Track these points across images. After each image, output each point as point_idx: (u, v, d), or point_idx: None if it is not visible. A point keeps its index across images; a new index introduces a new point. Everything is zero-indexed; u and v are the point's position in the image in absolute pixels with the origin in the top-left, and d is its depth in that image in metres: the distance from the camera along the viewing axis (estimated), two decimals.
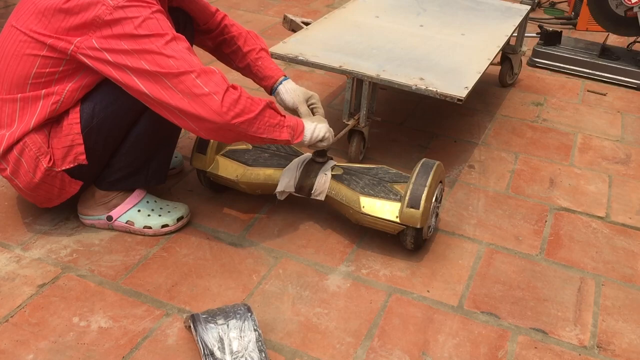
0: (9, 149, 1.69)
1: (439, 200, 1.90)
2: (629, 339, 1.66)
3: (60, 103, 1.67)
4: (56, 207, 1.92)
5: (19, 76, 1.65)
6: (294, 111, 1.96)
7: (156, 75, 1.55)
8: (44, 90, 1.66)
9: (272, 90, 2.01)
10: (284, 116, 1.73)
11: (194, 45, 1.99)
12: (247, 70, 2.05)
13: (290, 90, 1.97)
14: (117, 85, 1.64)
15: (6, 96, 1.68)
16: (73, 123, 1.69)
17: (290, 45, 2.22)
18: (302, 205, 2.04)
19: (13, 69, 1.65)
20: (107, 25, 1.54)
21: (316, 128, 1.81)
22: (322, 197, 1.88)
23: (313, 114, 1.96)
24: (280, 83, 1.99)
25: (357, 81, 2.15)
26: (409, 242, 1.83)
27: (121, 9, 1.54)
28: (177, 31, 1.67)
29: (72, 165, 1.72)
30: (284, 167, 1.91)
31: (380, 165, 1.96)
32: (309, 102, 1.98)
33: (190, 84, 1.55)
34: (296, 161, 1.92)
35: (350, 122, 2.17)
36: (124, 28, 1.54)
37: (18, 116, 1.68)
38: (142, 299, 1.66)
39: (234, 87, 1.61)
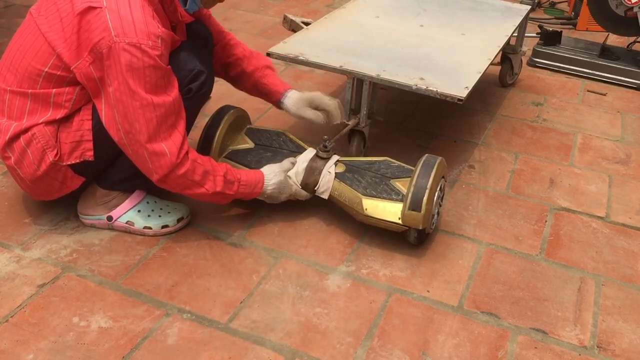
0: (16, 138, 1.70)
1: (442, 190, 1.90)
2: (629, 339, 1.66)
3: (72, 102, 1.69)
4: (56, 207, 1.92)
5: (32, 71, 1.66)
6: (301, 119, 2.08)
7: (120, 124, 1.63)
8: (54, 90, 1.67)
9: (279, 105, 2.10)
10: (238, 182, 1.80)
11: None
12: (254, 89, 2.12)
13: (292, 100, 2.06)
14: None
15: (17, 89, 1.69)
16: (84, 119, 1.69)
17: (291, 45, 2.22)
18: (302, 204, 2.03)
19: (28, 61, 1.67)
20: (102, 57, 1.58)
21: (280, 185, 1.87)
22: (325, 196, 1.89)
23: (322, 112, 2.05)
24: (285, 96, 2.07)
25: (358, 81, 2.15)
26: (412, 237, 1.85)
27: (118, 46, 1.55)
28: (198, 44, 1.82)
29: (78, 161, 1.73)
30: None
31: (382, 158, 1.96)
32: (314, 105, 2.05)
33: (139, 153, 1.66)
34: (299, 159, 1.92)
35: (351, 122, 2.17)
36: (115, 67, 1.57)
37: (28, 111, 1.69)
38: (142, 299, 1.66)
39: (182, 164, 1.68)
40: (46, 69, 1.65)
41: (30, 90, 1.67)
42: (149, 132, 1.62)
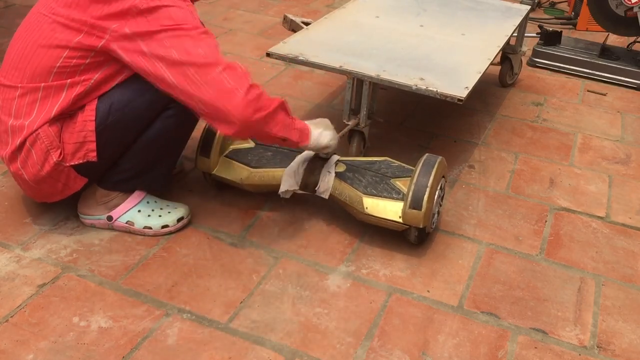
0: (24, 140, 1.69)
1: (442, 189, 1.90)
2: (629, 339, 1.66)
3: (84, 94, 1.68)
4: (56, 207, 1.92)
5: (44, 66, 1.65)
6: None
7: (184, 65, 1.59)
8: (69, 80, 1.67)
9: None
10: (294, 118, 1.76)
11: None
12: None
13: None
14: (135, 86, 1.67)
15: (27, 84, 1.68)
16: (88, 120, 1.69)
17: (290, 45, 2.22)
18: (302, 204, 2.04)
19: (39, 59, 1.66)
20: (142, 14, 1.59)
21: (321, 135, 1.83)
22: (325, 196, 1.89)
23: None
24: None
25: (357, 81, 2.15)
26: (412, 237, 1.86)
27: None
28: None
29: (81, 161, 1.73)
30: (287, 165, 1.91)
31: (382, 159, 1.97)
32: None
33: (216, 77, 1.59)
34: (299, 159, 1.92)
35: (351, 122, 2.17)
36: (158, 15, 1.59)
37: (38, 105, 1.68)
38: (142, 299, 1.66)
39: (255, 85, 1.64)
40: (60, 62, 1.64)
41: (42, 84, 1.67)
42: (214, 53, 1.62)
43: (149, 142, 1.78)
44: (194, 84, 1.60)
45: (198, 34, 1.61)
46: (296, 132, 1.76)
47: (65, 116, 1.70)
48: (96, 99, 1.70)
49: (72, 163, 1.73)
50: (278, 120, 1.69)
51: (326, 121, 1.90)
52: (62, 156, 1.71)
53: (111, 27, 1.60)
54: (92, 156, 1.72)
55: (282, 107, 1.71)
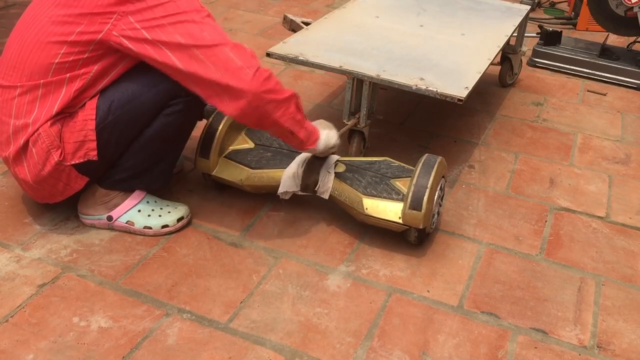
0: (26, 141, 1.69)
1: (442, 190, 1.91)
2: (629, 339, 1.66)
3: (84, 87, 1.68)
4: (56, 207, 1.93)
5: (43, 63, 1.65)
6: None
7: (190, 48, 1.60)
8: (68, 74, 1.66)
9: None
10: (305, 117, 1.77)
11: None
12: None
13: None
14: (135, 85, 1.68)
15: (27, 83, 1.67)
16: (88, 119, 1.69)
17: (290, 45, 2.22)
18: (302, 204, 2.04)
19: (37, 56, 1.66)
20: (144, 1, 1.59)
21: (328, 136, 1.85)
22: (325, 196, 1.89)
23: None
24: None
25: (357, 81, 2.15)
26: (412, 237, 1.86)
27: None
28: None
29: (81, 161, 1.73)
30: (287, 166, 1.91)
31: (382, 158, 1.97)
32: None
33: (224, 57, 1.60)
34: (298, 159, 1.92)
35: (351, 122, 2.18)
36: (160, 0, 1.59)
37: (39, 103, 1.68)
38: (142, 299, 1.66)
39: (264, 68, 1.65)
40: (58, 58, 1.64)
41: (42, 81, 1.67)
42: (219, 34, 1.62)
43: (149, 141, 1.78)
44: (202, 66, 1.60)
45: (201, 18, 1.62)
46: (304, 132, 1.77)
47: (65, 115, 1.70)
48: (96, 98, 1.70)
49: (73, 162, 1.73)
50: (288, 111, 1.70)
51: (324, 122, 1.90)
52: (62, 156, 1.71)
53: (114, 16, 1.60)
54: (93, 155, 1.73)
55: (294, 99, 1.72)
